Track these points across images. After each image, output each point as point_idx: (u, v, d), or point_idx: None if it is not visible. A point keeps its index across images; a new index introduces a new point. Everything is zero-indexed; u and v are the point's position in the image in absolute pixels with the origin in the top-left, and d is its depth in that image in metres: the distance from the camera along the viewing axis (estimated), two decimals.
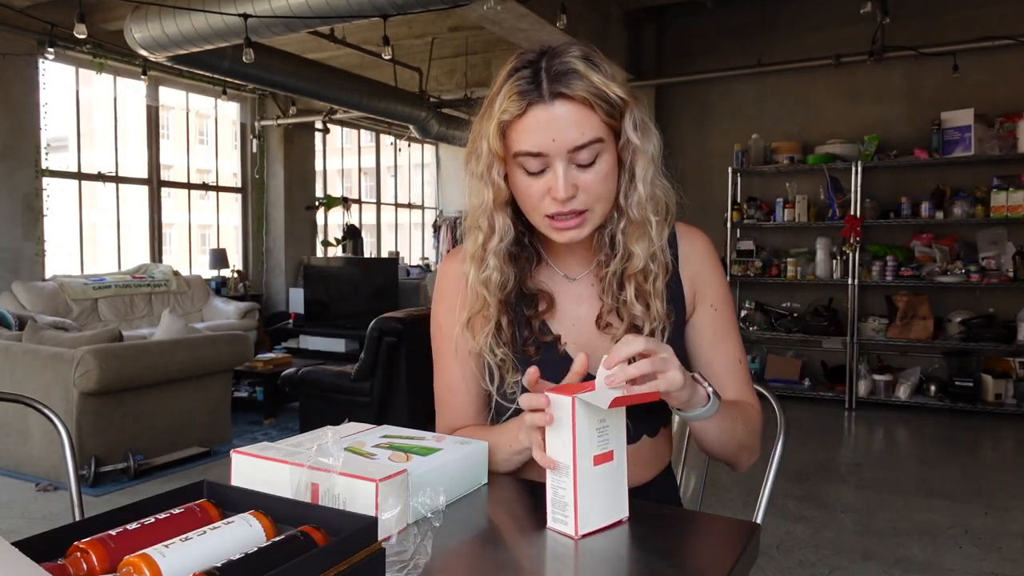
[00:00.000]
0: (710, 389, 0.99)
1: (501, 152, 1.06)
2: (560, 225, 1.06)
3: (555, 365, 1.09)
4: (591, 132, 1.01)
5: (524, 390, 0.99)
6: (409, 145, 10.43)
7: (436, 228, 11.35)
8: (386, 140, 10.45)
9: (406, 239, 11.56)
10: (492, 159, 1.07)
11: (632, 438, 1.17)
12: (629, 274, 1.10)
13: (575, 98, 1.00)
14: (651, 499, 1.16)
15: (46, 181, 6.24)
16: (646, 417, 1.05)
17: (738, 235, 6.34)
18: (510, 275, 1.14)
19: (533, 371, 0.96)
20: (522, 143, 1.03)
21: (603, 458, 0.92)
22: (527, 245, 1.17)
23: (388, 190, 11.12)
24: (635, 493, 1.18)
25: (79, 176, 6.82)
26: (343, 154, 11.80)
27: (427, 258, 11.31)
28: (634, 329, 1.12)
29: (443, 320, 1.22)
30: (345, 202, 9.56)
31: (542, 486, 0.94)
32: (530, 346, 1.16)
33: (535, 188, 1.05)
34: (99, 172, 7.01)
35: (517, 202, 1.10)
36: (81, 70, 6.64)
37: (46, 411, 1.45)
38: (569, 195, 1.03)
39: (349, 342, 7.11)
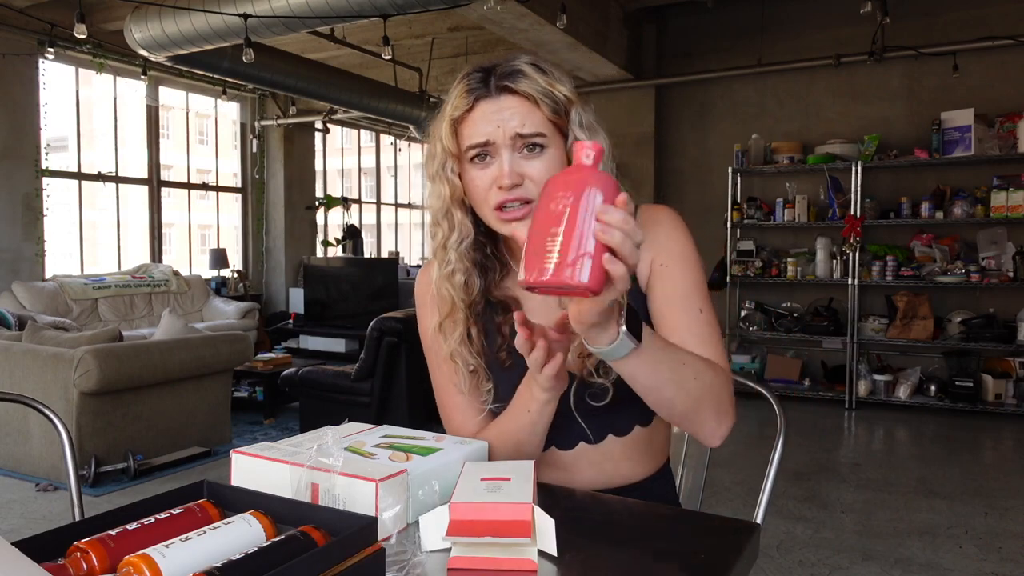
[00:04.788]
0: (623, 328, 0.86)
1: (454, 149, 1.09)
2: (506, 216, 1.07)
3: (522, 367, 1.10)
4: (535, 125, 1.05)
5: (505, 372, 1.05)
6: (409, 145, 10.43)
7: None
8: (386, 140, 10.46)
9: (406, 239, 11.57)
10: (446, 157, 1.10)
11: (623, 429, 1.17)
12: None
13: (520, 93, 1.06)
14: (648, 498, 1.16)
15: (46, 181, 6.25)
16: (638, 404, 1.02)
17: (738, 235, 6.34)
18: (475, 281, 1.15)
19: (520, 313, 0.99)
20: (470, 136, 1.07)
21: None
22: (490, 255, 1.18)
23: (388, 190, 11.12)
24: (631, 491, 1.19)
25: (79, 176, 6.82)
26: (343, 154, 11.81)
27: (427, 258, 11.29)
28: None
29: (426, 327, 1.24)
30: (345, 202, 9.56)
31: (542, 486, 0.94)
32: (502, 352, 1.17)
33: (483, 179, 1.07)
34: (99, 172, 7.01)
35: (470, 200, 1.12)
36: (81, 70, 6.64)
37: (46, 411, 1.45)
38: (514, 181, 1.05)
39: (349, 342, 7.12)
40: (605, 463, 1.18)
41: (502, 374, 1.18)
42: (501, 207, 1.07)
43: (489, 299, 1.18)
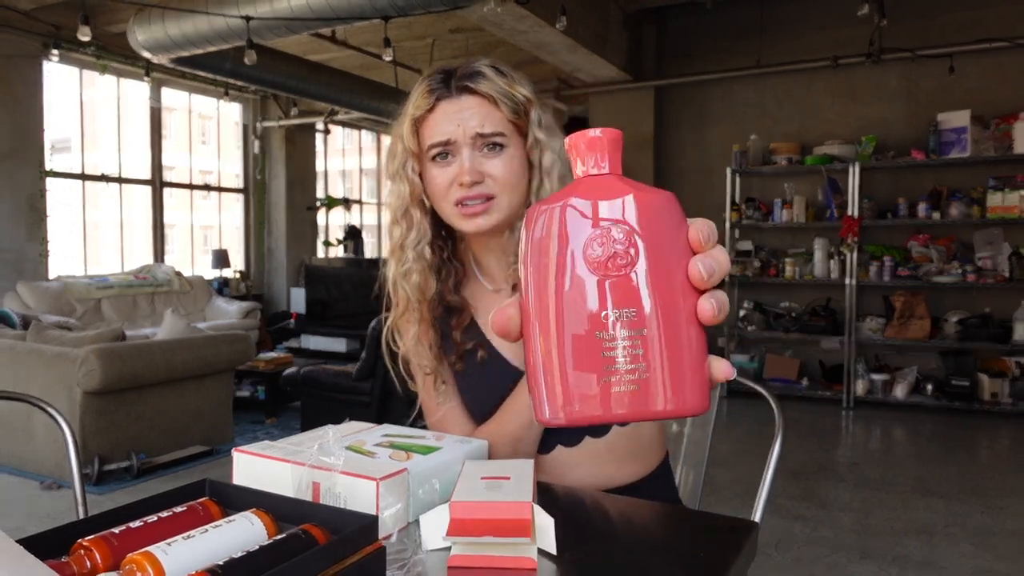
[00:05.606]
0: None
1: (415, 148, 1.11)
2: (467, 212, 1.09)
3: (477, 371, 1.13)
4: (495, 125, 1.07)
5: (459, 376, 1.07)
6: None
7: None
8: (387, 141, 10.45)
9: None
10: (406, 156, 1.12)
11: (598, 430, 1.16)
12: None
13: (480, 93, 1.07)
14: (648, 497, 1.14)
15: (49, 182, 6.27)
16: None
17: (736, 235, 6.35)
18: (431, 283, 1.16)
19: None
20: (431, 135, 1.09)
21: None
22: (447, 260, 1.19)
23: None
24: (631, 490, 1.18)
25: (82, 177, 6.84)
26: (344, 155, 11.80)
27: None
28: None
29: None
30: (346, 202, 9.58)
31: (542, 485, 0.94)
32: (453, 355, 1.18)
33: (443, 176, 1.09)
34: (102, 173, 7.04)
35: (430, 199, 1.12)
36: (84, 72, 6.66)
37: (50, 410, 1.46)
38: (474, 178, 1.07)
39: (350, 342, 7.13)
40: (608, 462, 1.17)
41: (458, 377, 1.19)
42: (461, 203, 1.08)
43: (446, 306, 1.18)
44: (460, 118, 1.07)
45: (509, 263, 1.15)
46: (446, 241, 1.18)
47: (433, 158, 1.10)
